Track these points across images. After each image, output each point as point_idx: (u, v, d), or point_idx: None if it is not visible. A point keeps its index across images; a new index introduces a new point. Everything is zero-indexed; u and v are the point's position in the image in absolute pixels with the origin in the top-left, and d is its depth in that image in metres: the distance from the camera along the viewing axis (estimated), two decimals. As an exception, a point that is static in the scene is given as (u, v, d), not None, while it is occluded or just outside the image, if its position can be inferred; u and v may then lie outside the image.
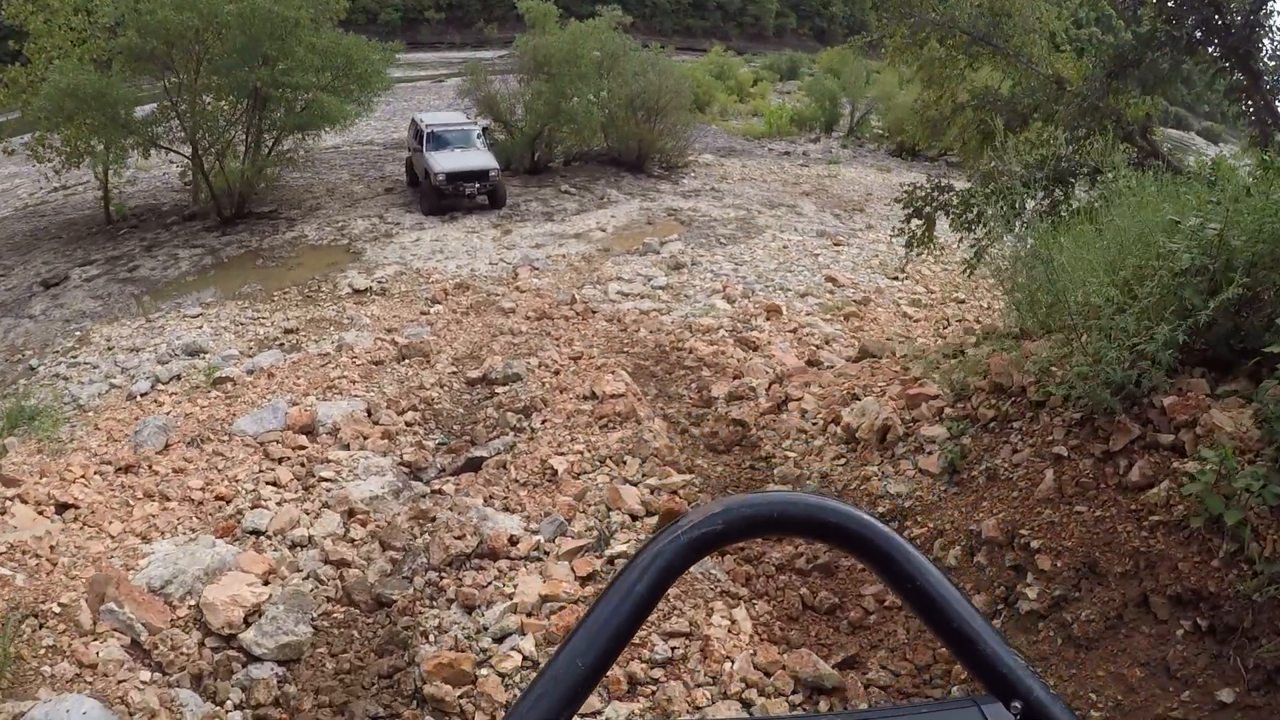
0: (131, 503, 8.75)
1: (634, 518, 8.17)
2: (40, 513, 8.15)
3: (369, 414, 11.07)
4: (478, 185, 22.25)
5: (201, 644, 6.50)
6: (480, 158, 22.80)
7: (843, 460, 8.82)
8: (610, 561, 7.43)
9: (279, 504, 8.82)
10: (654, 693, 5.74)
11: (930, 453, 7.88)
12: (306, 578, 7.46)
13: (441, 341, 13.55)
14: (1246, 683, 4.71)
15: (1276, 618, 4.74)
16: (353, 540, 8.16)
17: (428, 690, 5.92)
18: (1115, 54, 11.04)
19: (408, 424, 10.89)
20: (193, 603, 6.84)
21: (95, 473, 9.30)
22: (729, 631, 6.36)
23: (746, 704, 5.69)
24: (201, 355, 13.59)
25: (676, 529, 0.97)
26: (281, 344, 14.00)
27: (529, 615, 6.70)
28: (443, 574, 7.47)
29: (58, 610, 6.38)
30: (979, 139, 13.76)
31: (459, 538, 7.78)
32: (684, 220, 22.56)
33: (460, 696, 5.93)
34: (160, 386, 12.52)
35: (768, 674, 5.91)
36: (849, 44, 17.10)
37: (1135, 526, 5.59)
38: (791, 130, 39.29)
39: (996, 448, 7.17)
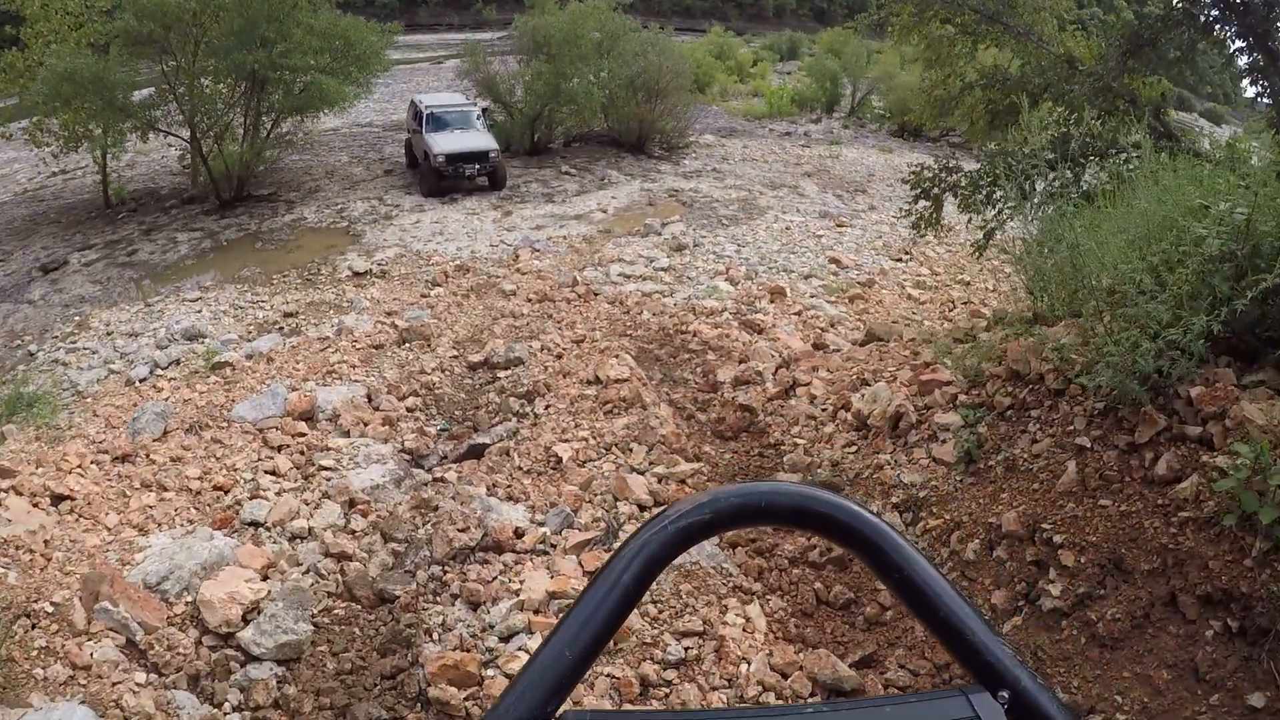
0: (129, 493, 8.59)
1: (642, 508, 7.99)
2: (35, 504, 7.99)
3: (369, 399, 10.90)
4: (477, 166, 22.10)
5: (199, 643, 6.32)
6: (480, 139, 22.64)
7: (854, 448, 8.64)
8: (619, 556, 7.25)
9: (278, 494, 8.64)
10: (667, 695, 5.54)
11: (945, 441, 7.68)
12: (306, 572, 7.28)
13: (442, 324, 13.37)
14: (1279, 687, 4.56)
15: (1312, 619, 4.58)
16: (353, 532, 7.99)
17: (432, 693, 5.75)
18: (1131, 33, 10.84)
19: (409, 410, 10.72)
20: (190, 599, 6.67)
21: (92, 462, 9.13)
22: (744, 630, 6.18)
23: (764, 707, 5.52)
24: (200, 340, 13.46)
25: (664, 519, 0.97)
26: (281, 327, 13.86)
27: (536, 613, 6.51)
28: (446, 568, 7.29)
29: (50, 609, 6.20)
30: (987, 119, 13.56)
31: (462, 530, 7.60)
32: (685, 201, 22.37)
33: (466, 699, 5.75)
34: (159, 372, 12.41)
35: (785, 675, 5.72)
36: (852, 23, 16.82)
37: (1163, 522, 5.41)
38: (792, 111, 39.04)
39: (1014, 437, 6.98)
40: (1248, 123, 22.07)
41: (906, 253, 18.03)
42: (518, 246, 17.79)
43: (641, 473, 8.70)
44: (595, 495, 8.26)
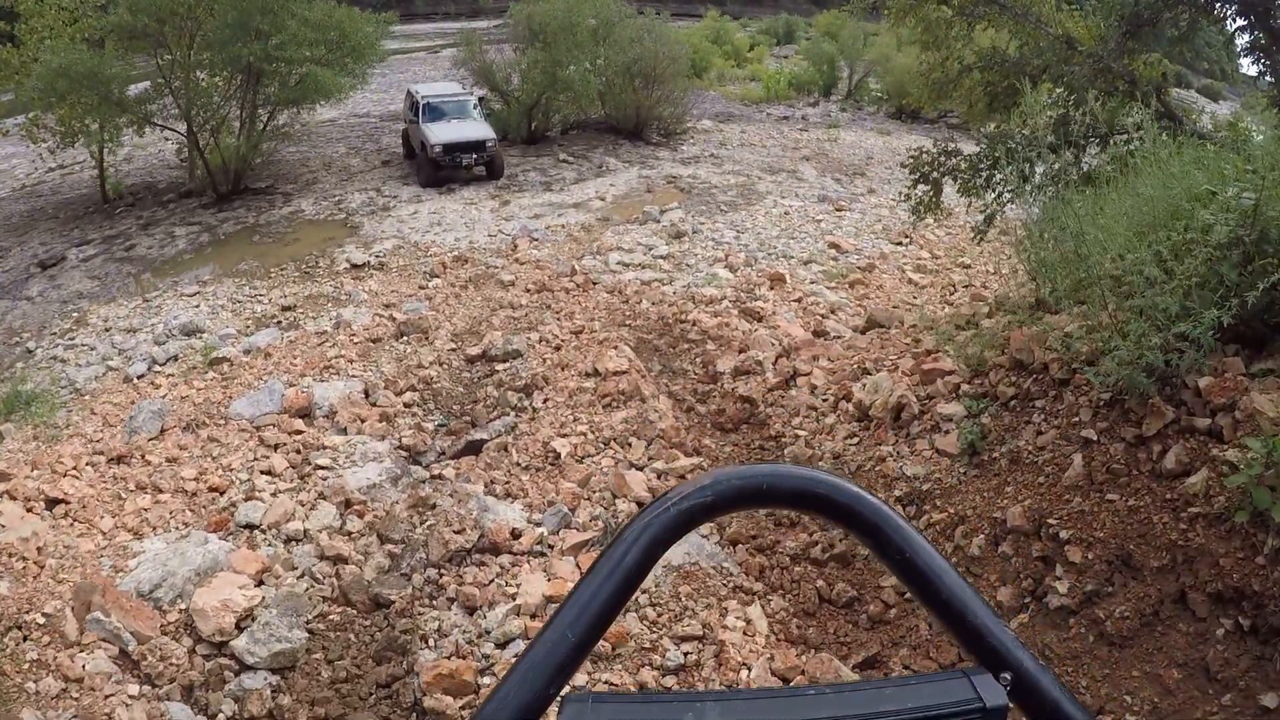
0: (123, 495, 8.52)
1: (640, 506, 7.88)
2: (29, 509, 7.92)
3: (366, 395, 10.80)
4: (475, 156, 21.98)
5: (192, 652, 6.23)
6: (477, 128, 22.52)
7: (855, 439, 8.53)
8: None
9: (274, 495, 8.55)
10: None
11: (948, 432, 7.55)
12: (301, 576, 7.19)
13: (440, 317, 13.26)
14: (1293, 685, 4.46)
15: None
16: (349, 533, 7.89)
17: (428, 703, 5.66)
18: (1131, 13, 10.67)
19: (406, 405, 10.62)
20: (183, 607, 6.59)
21: (87, 464, 9.06)
22: (744, 634, 6.08)
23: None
24: (199, 335, 13.37)
25: (666, 501, 0.97)
26: (279, 321, 13.76)
27: (533, 618, 6.42)
28: (442, 571, 7.19)
29: (42, 621, 6.11)
30: (986, 101, 13.41)
31: (459, 531, 7.50)
32: (684, 187, 22.21)
33: (462, 708, 5.67)
34: (157, 368, 12.34)
35: (786, 680, 5.63)
36: (849, 6, 16.65)
37: (1172, 518, 5.29)
38: (789, 94, 38.78)
39: (1019, 428, 6.86)
40: (1245, 98, 21.93)
41: (906, 236, 17.88)
42: (516, 236, 17.65)
43: (640, 469, 8.60)
44: (593, 492, 8.16)
